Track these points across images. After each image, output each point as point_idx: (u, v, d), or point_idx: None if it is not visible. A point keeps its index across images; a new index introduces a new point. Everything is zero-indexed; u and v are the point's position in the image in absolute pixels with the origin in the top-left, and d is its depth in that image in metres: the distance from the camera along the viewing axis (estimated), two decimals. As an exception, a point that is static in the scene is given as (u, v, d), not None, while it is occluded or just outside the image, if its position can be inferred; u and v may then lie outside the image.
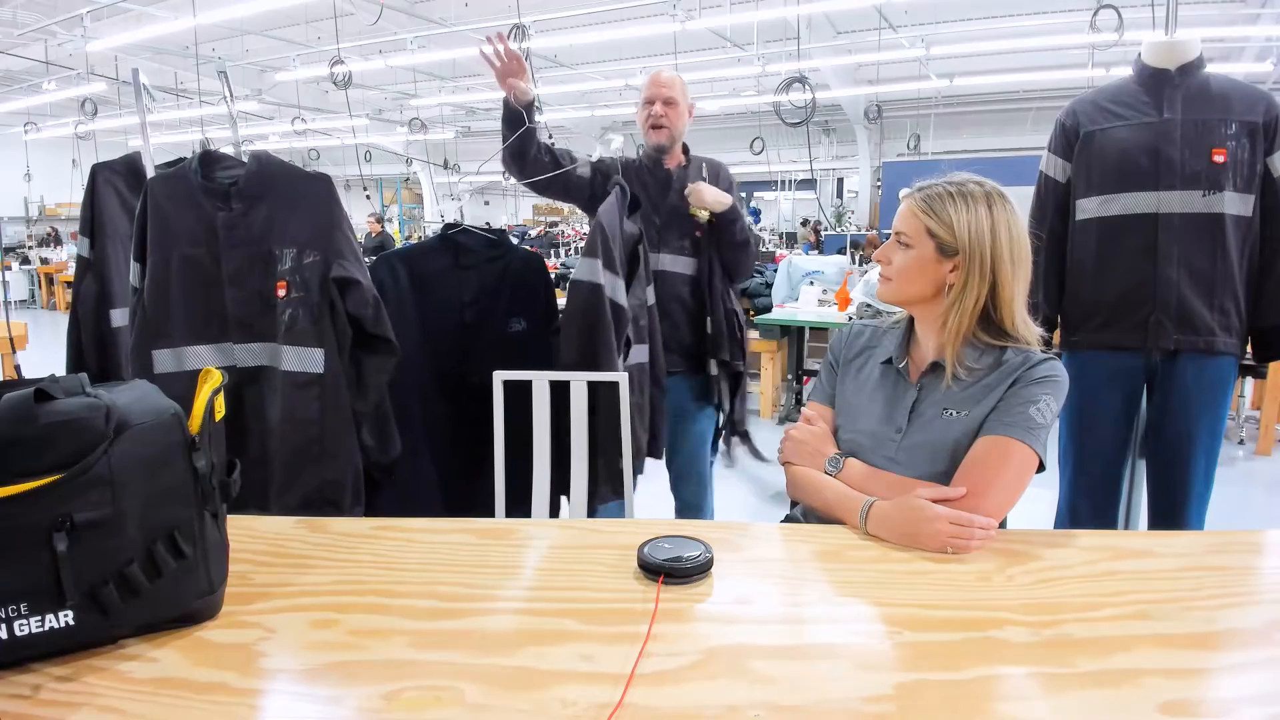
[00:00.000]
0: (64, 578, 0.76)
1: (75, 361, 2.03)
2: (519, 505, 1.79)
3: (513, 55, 1.99)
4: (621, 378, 1.72)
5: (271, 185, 1.69)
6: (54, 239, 13.88)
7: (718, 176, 2.27)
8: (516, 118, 2.03)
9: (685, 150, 2.26)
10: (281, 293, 1.66)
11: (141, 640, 0.84)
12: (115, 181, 2.04)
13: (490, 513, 1.80)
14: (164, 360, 1.70)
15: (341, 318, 1.66)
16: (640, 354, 2.03)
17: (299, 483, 1.65)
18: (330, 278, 1.64)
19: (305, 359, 1.65)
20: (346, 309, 1.66)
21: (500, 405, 1.74)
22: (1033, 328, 1.24)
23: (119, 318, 2.03)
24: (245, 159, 1.73)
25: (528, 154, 2.08)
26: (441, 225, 2.02)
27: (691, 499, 2.32)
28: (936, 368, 1.26)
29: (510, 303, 1.97)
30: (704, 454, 2.33)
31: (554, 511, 1.83)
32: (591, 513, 1.85)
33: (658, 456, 2.15)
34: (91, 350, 2.03)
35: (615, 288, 1.87)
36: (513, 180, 2.19)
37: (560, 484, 1.81)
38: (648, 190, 2.18)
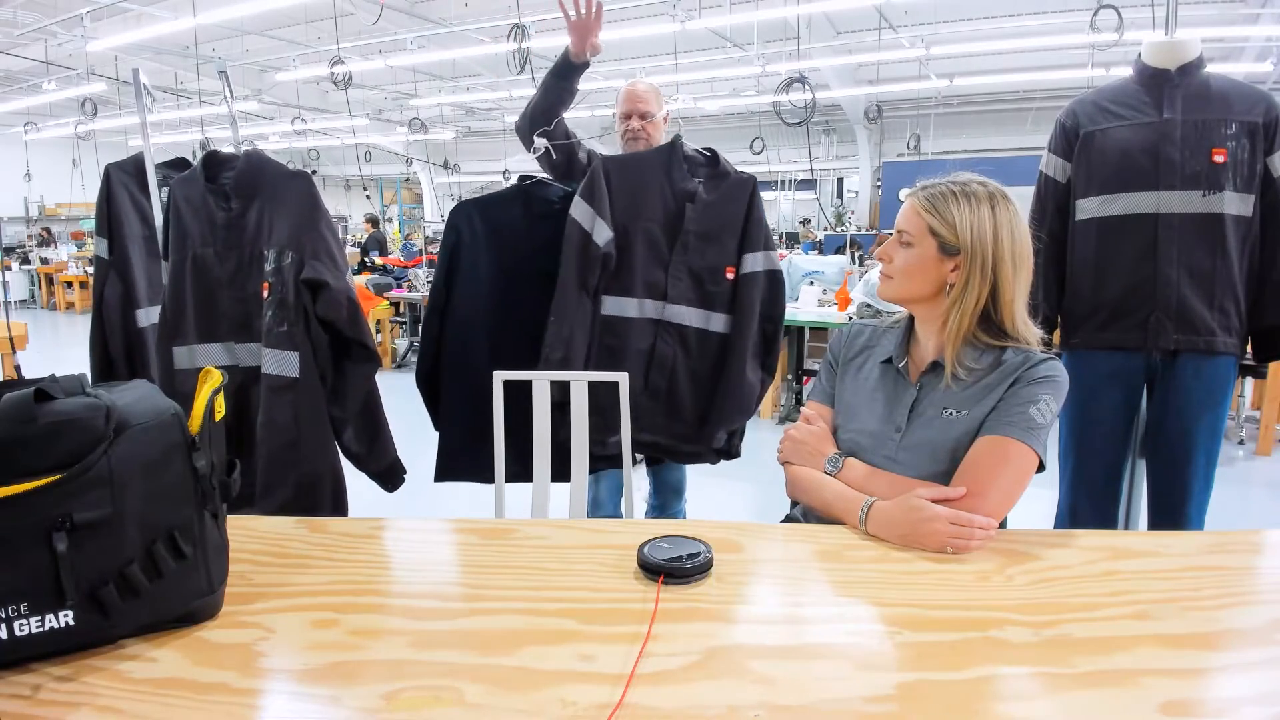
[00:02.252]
0: (64, 578, 0.76)
1: (102, 364, 1.98)
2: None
3: (594, 8, 1.96)
4: (621, 378, 1.72)
5: (260, 184, 1.68)
6: (49, 239, 13.85)
7: None
8: (571, 73, 2.01)
9: None
10: (265, 294, 1.64)
11: (141, 640, 0.84)
12: (126, 182, 2.03)
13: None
14: (181, 356, 1.72)
15: (315, 321, 1.62)
16: (698, 318, 2.04)
17: (279, 487, 1.63)
18: (301, 279, 1.61)
19: (282, 363, 1.62)
20: (316, 312, 1.61)
21: (500, 400, 1.73)
22: (1033, 328, 1.24)
23: (143, 318, 2.02)
24: (244, 159, 1.73)
25: (557, 114, 2.07)
26: (518, 177, 2.05)
27: (675, 484, 2.36)
28: (936, 367, 1.26)
29: None
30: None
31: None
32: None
33: (733, 454, 2.13)
34: (121, 352, 1.99)
35: (594, 224, 1.91)
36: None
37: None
38: None
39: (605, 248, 1.93)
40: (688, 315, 2.05)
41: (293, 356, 1.62)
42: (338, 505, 1.70)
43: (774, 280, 2.08)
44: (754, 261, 2.04)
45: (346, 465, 1.78)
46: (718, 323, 2.06)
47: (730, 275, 2.05)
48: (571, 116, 2.15)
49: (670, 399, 2.06)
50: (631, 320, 2.01)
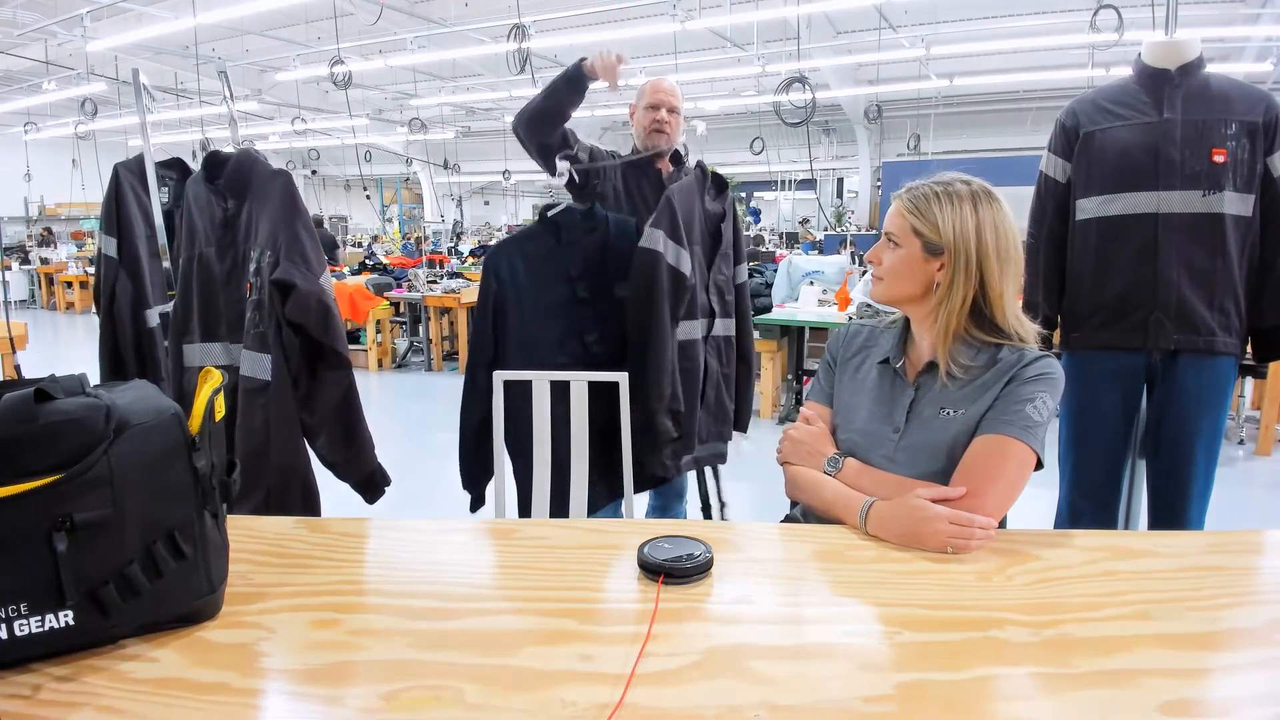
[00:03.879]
0: (64, 578, 0.76)
1: (113, 363, 1.97)
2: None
3: (615, 63, 2.05)
4: (621, 378, 1.72)
5: (248, 184, 1.67)
6: (51, 239, 13.86)
7: None
8: (582, 84, 2.06)
9: (674, 157, 2.29)
10: (249, 294, 1.63)
11: (141, 640, 0.84)
12: (133, 182, 2.03)
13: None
14: (189, 355, 1.71)
15: (285, 324, 1.57)
16: (724, 327, 2.18)
17: (253, 490, 1.61)
18: (271, 280, 1.57)
19: (256, 364, 1.59)
20: (285, 314, 1.56)
21: (500, 403, 1.73)
22: (1028, 324, 1.25)
23: (152, 318, 2.01)
24: (246, 158, 1.72)
25: (564, 118, 2.12)
26: (540, 208, 2.06)
27: (678, 487, 2.42)
28: (933, 367, 1.26)
29: (615, 271, 2.01)
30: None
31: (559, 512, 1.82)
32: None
33: (743, 430, 2.31)
34: (131, 351, 1.99)
35: (679, 257, 1.94)
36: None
37: (605, 487, 1.90)
38: (641, 188, 2.21)
39: (691, 278, 1.99)
40: (722, 327, 2.18)
41: (265, 359, 1.58)
42: (309, 510, 1.67)
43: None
44: (743, 272, 2.26)
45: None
46: (732, 327, 2.21)
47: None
48: (572, 116, 2.15)
49: (718, 408, 2.19)
50: (696, 341, 2.09)
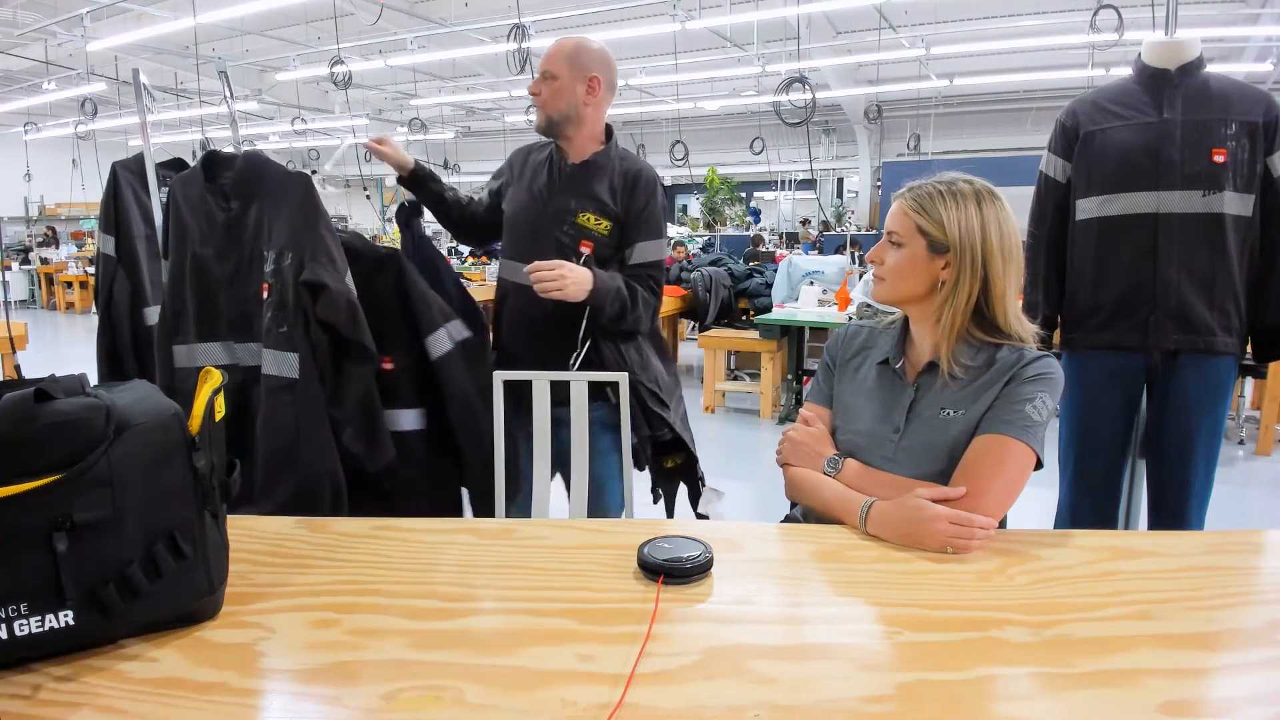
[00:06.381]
0: (64, 578, 0.76)
1: (111, 362, 1.98)
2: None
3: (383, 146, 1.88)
4: (622, 377, 1.72)
5: (259, 185, 1.68)
6: (53, 239, 13.87)
7: (635, 187, 1.80)
8: (406, 180, 1.91)
9: (610, 134, 1.85)
10: (265, 295, 1.64)
11: (141, 640, 0.84)
12: (131, 181, 2.03)
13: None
14: (180, 355, 1.71)
15: (314, 323, 1.59)
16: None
17: (277, 488, 1.62)
18: (300, 280, 1.59)
19: (281, 363, 1.61)
20: (316, 314, 1.58)
21: (501, 405, 1.73)
22: (1027, 324, 1.25)
23: (150, 316, 2.02)
24: (246, 159, 1.72)
25: (447, 205, 1.93)
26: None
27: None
28: (933, 367, 1.26)
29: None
30: (611, 475, 1.87)
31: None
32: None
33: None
34: (129, 350, 2.00)
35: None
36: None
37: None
38: (533, 187, 1.85)
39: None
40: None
41: (292, 357, 1.61)
42: (337, 507, 1.69)
43: None
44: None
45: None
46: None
47: None
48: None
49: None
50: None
